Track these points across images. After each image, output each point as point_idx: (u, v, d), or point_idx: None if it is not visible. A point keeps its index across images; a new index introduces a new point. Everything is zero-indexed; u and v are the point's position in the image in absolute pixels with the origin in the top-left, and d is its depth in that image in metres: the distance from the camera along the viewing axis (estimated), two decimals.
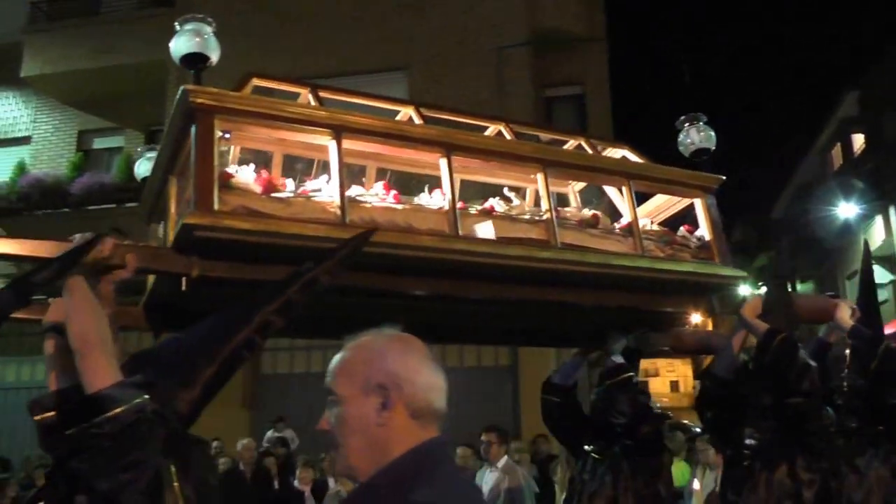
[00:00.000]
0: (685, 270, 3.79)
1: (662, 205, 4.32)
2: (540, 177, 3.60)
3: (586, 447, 4.22)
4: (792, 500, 3.52)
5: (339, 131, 3.17)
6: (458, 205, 3.48)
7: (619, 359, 4.08)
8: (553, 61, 12.81)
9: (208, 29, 3.10)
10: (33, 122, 14.32)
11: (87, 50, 13.25)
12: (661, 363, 19.07)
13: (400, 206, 3.26)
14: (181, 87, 2.92)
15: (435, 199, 3.38)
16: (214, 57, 3.09)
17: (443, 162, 3.37)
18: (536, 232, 3.51)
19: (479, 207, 3.50)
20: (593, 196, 4.58)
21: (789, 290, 4.11)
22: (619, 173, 3.88)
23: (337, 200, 3.06)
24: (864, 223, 17.17)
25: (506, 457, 6.20)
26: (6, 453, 10.07)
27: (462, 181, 4.05)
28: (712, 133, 4.26)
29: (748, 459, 3.73)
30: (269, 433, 10.54)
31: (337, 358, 1.60)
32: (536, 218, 3.56)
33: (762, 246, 15.28)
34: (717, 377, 3.94)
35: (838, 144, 20.70)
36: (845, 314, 4.18)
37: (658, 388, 19.16)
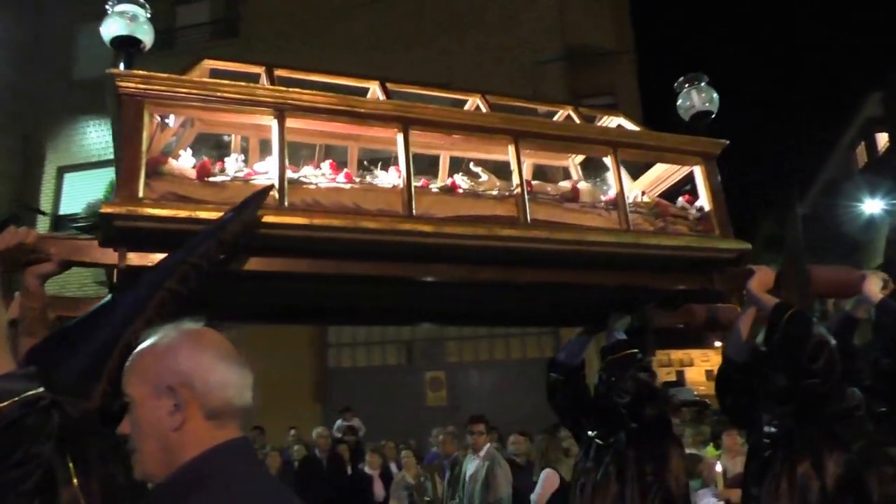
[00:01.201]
0: (675, 245, 3.47)
1: (663, 174, 3.99)
2: (511, 149, 3.36)
3: (590, 433, 3.99)
4: (818, 496, 3.16)
5: (281, 110, 3.02)
6: (420, 182, 3.30)
7: (621, 335, 3.83)
8: (586, 74, 13.65)
9: (141, 12, 3.00)
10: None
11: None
12: (695, 353, 19.47)
13: (348, 186, 3.09)
14: (107, 71, 2.83)
15: (390, 178, 3.19)
16: (147, 40, 2.99)
17: (399, 137, 3.18)
18: (504, 209, 3.28)
19: (441, 185, 3.28)
20: (602, 168, 4.32)
21: (804, 260, 3.70)
22: (603, 142, 3.59)
23: (276, 183, 2.92)
24: (889, 219, 17.42)
25: (488, 445, 6.20)
26: None
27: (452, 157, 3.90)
28: (715, 95, 3.90)
29: (769, 449, 3.41)
30: (339, 422, 11.00)
31: (131, 357, 1.49)
32: (506, 193, 3.32)
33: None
34: (729, 359, 3.63)
35: (862, 143, 21.71)
36: (874, 286, 3.78)
37: (694, 377, 19.49)
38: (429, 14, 14.14)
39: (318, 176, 3.08)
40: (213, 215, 2.74)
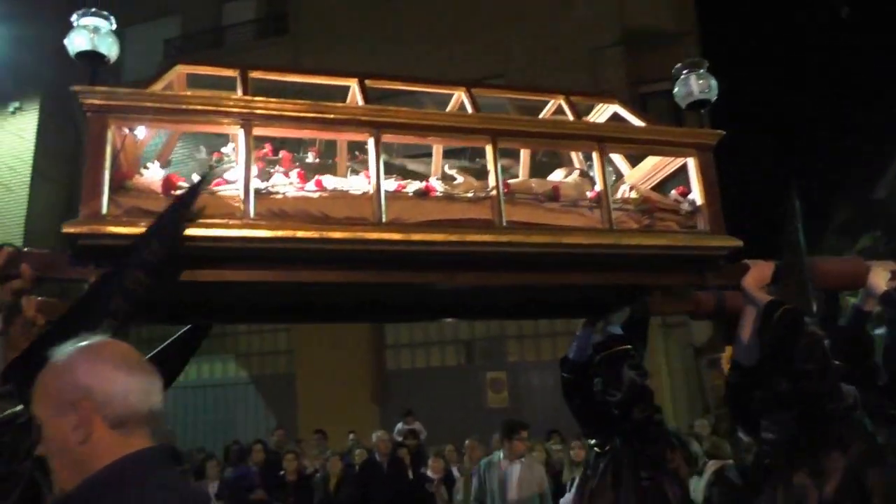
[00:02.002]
0: (659, 244, 3.37)
1: (658, 164, 3.86)
2: (489, 149, 3.28)
3: (590, 441, 3.93)
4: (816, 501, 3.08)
5: (248, 119, 3.01)
6: (395, 187, 3.26)
7: (616, 329, 3.73)
8: (646, 58, 12.87)
9: (105, 24, 2.99)
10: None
11: (214, 80, 13.86)
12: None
13: (316, 195, 3.07)
14: (71, 88, 2.85)
15: (360, 183, 3.17)
16: (112, 53, 3.00)
17: (370, 142, 3.14)
18: (479, 212, 3.22)
19: (415, 189, 3.23)
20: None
21: (804, 253, 3.55)
22: (587, 137, 3.47)
23: (241, 194, 2.93)
24: None
25: (534, 453, 6.10)
26: (189, 446, 11.23)
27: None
28: (713, 82, 3.73)
29: (768, 456, 3.32)
30: (400, 425, 10.88)
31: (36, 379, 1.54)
32: (481, 195, 3.26)
33: (865, 227, 14.47)
34: (737, 365, 3.51)
35: None
36: (879, 278, 3.63)
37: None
38: (481, 5, 13.69)
39: (286, 185, 3.07)
40: None
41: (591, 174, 4.02)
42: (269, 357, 13.90)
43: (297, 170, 3.15)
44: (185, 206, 2.76)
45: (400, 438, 9.94)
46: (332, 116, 3.12)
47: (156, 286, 2.62)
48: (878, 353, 3.64)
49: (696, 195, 3.57)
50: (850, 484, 3.03)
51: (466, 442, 8.15)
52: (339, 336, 12.00)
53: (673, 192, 3.72)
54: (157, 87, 3.14)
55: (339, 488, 8.71)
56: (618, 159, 4.13)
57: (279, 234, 2.90)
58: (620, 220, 3.41)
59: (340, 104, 3.15)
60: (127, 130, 3.04)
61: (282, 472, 8.94)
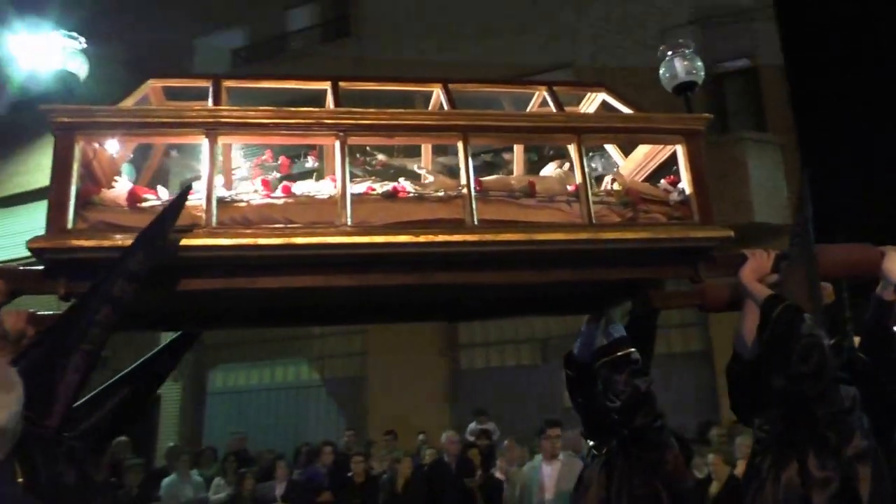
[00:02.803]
0: (641, 237, 3.24)
1: (650, 152, 3.72)
2: (460, 146, 3.23)
3: (589, 442, 3.82)
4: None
5: (212, 129, 3.05)
6: (363, 189, 3.25)
7: (618, 331, 3.61)
8: (721, 36, 12.21)
9: (75, 45, 3.08)
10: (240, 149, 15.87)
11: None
12: None
13: (280, 201, 3.08)
14: (39, 107, 2.94)
15: (327, 188, 3.16)
16: (81, 71, 3.08)
17: (337, 145, 3.13)
18: (449, 211, 3.17)
19: (383, 191, 3.21)
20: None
21: (812, 244, 3.35)
22: (564, 129, 3.37)
23: (204, 203, 2.96)
24: None
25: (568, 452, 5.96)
26: (260, 447, 11.42)
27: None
28: (699, 63, 3.59)
29: (759, 455, 3.18)
30: (472, 425, 10.79)
31: None
32: (452, 194, 3.21)
33: None
34: (736, 355, 3.36)
35: None
36: (894, 263, 3.41)
37: None
38: None
39: (251, 193, 3.09)
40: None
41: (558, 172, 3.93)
42: (341, 360, 13.98)
43: (260, 178, 3.16)
44: (171, 217, 2.80)
45: (472, 439, 9.87)
46: (296, 122, 3.13)
47: (142, 295, 2.69)
48: None
49: (685, 184, 3.42)
50: (840, 489, 2.85)
51: (505, 442, 8.05)
52: (411, 337, 11.98)
53: (662, 181, 3.59)
54: (128, 102, 3.21)
55: (406, 489, 8.78)
56: (612, 150, 4.02)
57: (240, 241, 2.92)
58: (601, 213, 3.31)
59: (305, 109, 3.14)
60: (97, 146, 3.11)
61: (350, 474, 9.09)
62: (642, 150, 3.77)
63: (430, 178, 3.30)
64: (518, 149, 4.04)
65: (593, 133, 3.40)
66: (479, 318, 6.53)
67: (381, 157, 3.52)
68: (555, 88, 3.68)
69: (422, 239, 3.04)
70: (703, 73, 3.57)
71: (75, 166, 2.91)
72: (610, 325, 3.61)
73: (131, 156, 3.57)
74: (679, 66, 3.55)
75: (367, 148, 3.54)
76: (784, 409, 3.04)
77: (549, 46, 12.85)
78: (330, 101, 3.38)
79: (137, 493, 8.94)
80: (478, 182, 3.25)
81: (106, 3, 14.52)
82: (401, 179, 3.29)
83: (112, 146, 3.21)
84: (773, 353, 3.05)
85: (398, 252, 3.03)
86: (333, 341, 13.96)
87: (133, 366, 3.24)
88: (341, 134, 3.13)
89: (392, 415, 11.86)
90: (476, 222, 3.12)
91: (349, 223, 3.02)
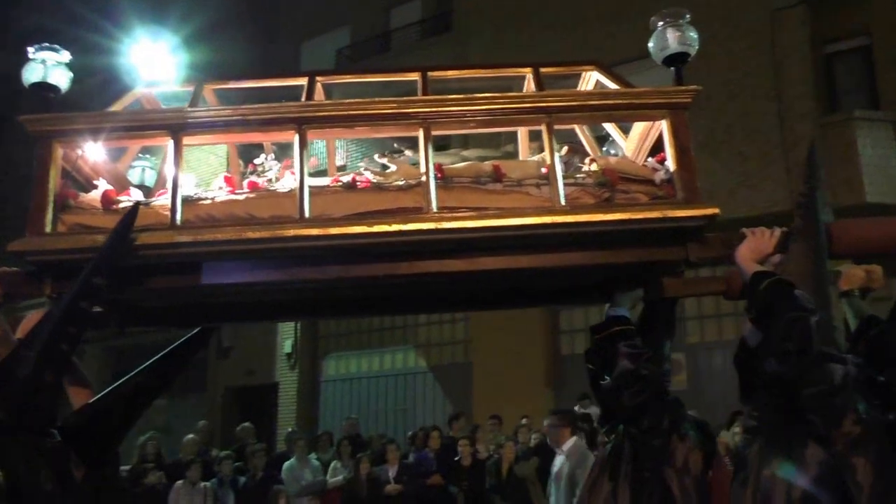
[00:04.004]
0: (614, 219, 3.06)
1: (644, 130, 3.51)
2: (421, 135, 3.18)
3: (602, 429, 3.69)
4: (785, 500, 2.70)
5: (176, 130, 3.17)
6: (329, 181, 3.27)
7: (618, 311, 3.45)
8: (833, 15, 11.56)
9: (57, 58, 3.28)
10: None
11: (382, 86, 14.34)
12: None
13: (242, 197, 3.16)
14: (18, 118, 3.16)
15: (288, 182, 3.21)
16: (62, 83, 3.28)
17: (296, 139, 3.17)
18: (409, 199, 3.13)
19: (343, 182, 3.21)
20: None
21: (819, 217, 3.04)
22: (533, 111, 3.24)
23: (169, 203, 3.08)
24: None
25: (573, 439, 5.72)
26: (371, 432, 11.90)
27: None
28: (693, 34, 3.34)
29: (748, 443, 2.96)
30: (576, 409, 10.66)
31: None
32: (412, 182, 3.16)
33: None
34: (741, 342, 3.15)
35: None
36: None
37: None
38: None
39: (216, 190, 3.19)
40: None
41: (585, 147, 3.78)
42: (447, 346, 14.18)
43: (223, 175, 3.25)
44: (121, 236, 2.94)
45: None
46: (255, 118, 3.19)
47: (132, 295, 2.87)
48: None
49: (669, 161, 3.20)
50: (827, 479, 2.58)
51: (523, 420, 7.79)
52: (513, 324, 12.04)
53: (650, 159, 3.38)
54: (116, 108, 3.39)
55: (511, 472, 8.86)
56: (612, 130, 3.83)
57: (202, 237, 3.02)
58: (573, 196, 3.15)
59: (264, 105, 3.20)
60: (80, 151, 3.31)
61: (457, 458, 9.33)
62: (638, 129, 3.57)
63: (392, 168, 3.27)
64: (522, 132, 3.93)
65: (566, 113, 3.24)
66: (483, 309, 6.43)
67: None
68: (544, 70, 3.54)
69: (376, 229, 3.02)
70: (696, 45, 3.32)
71: (53, 172, 3.12)
72: (612, 307, 3.46)
73: (147, 159, 3.79)
74: (671, 37, 3.32)
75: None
76: (773, 393, 2.80)
77: (646, 34, 12.36)
78: (302, 95, 3.43)
79: (262, 477, 9.49)
80: (439, 169, 3.19)
81: (221, 15, 15.26)
82: (362, 169, 3.28)
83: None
84: (762, 333, 2.83)
85: (353, 243, 3.03)
86: (438, 329, 14.18)
87: (148, 361, 3.42)
88: (299, 128, 3.16)
89: (496, 400, 11.94)
90: (435, 209, 3.07)
91: (307, 216, 3.06)
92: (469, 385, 13.21)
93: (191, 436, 10.17)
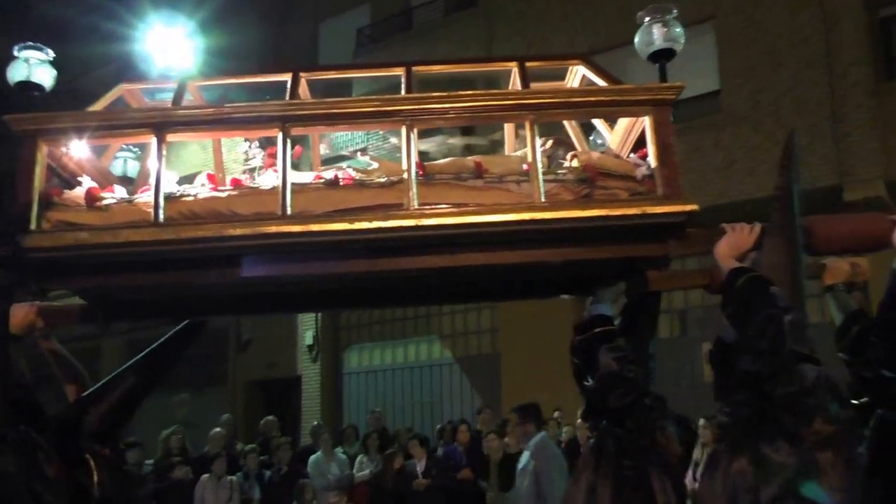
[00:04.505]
0: (591, 216, 3.07)
1: (628, 124, 3.51)
2: (403, 131, 3.19)
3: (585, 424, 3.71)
4: (751, 495, 2.71)
5: (159, 129, 3.18)
6: (312, 178, 3.29)
7: (601, 309, 3.46)
8: None
9: (41, 56, 3.30)
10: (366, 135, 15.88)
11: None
12: None
13: (224, 194, 3.18)
14: (4, 118, 3.19)
15: (270, 179, 3.22)
16: (47, 82, 3.30)
17: (279, 137, 3.18)
18: (390, 196, 3.15)
19: (325, 179, 3.23)
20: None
21: (796, 211, 3.04)
22: (517, 108, 3.24)
23: (152, 200, 3.11)
24: None
25: (539, 435, 5.73)
26: (397, 426, 11.86)
27: None
28: (679, 30, 3.34)
29: (720, 441, 2.98)
30: None
31: None
32: (394, 179, 3.18)
33: None
34: (717, 339, 3.16)
35: None
36: None
37: None
38: None
39: (199, 187, 3.21)
40: (93, 240, 3.02)
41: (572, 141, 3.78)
42: (474, 336, 13.86)
43: (205, 172, 3.27)
44: None
45: None
46: (238, 116, 3.21)
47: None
48: None
49: (651, 157, 3.21)
50: (794, 477, 2.60)
51: (555, 413, 7.71)
52: (544, 311, 11.69)
53: (632, 155, 3.38)
54: (99, 106, 3.42)
55: None
56: (600, 125, 3.83)
57: (184, 234, 3.05)
58: (553, 192, 3.16)
59: (247, 104, 3.22)
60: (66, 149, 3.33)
61: (486, 452, 9.15)
62: (623, 122, 3.57)
63: (374, 165, 3.28)
64: (508, 127, 3.93)
65: (549, 109, 3.25)
66: (472, 301, 6.44)
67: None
68: (528, 64, 3.54)
69: (356, 226, 3.04)
70: (682, 41, 3.33)
71: (38, 170, 3.14)
72: (595, 304, 3.47)
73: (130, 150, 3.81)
74: (657, 33, 3.33)
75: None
76: (746, 391, 2.81)
77: (682, 2, 11.99)
78: (288, 91, 3.43)
79: (287, 471, 9.52)
80: (421, 166, 3.20)
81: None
82: (345, 166, 3.30)
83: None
84: (737, 330, 2.84)
85: (334, 240, 3.05)
86: (463, 319, 13.84)
87: (140, 355, 3.45)
88: (283, 125, 3.18)
89: (526, 392, 11.65)
90: (416, 206, 3.08)
91: (288, 213, 3.08)
92: (497, 377, 12.92)
93: (217, 429, 10.14)
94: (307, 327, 14.65)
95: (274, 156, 3.52)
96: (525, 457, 6.07)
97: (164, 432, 9.76)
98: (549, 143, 3.68)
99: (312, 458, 9.67)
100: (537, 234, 3.11)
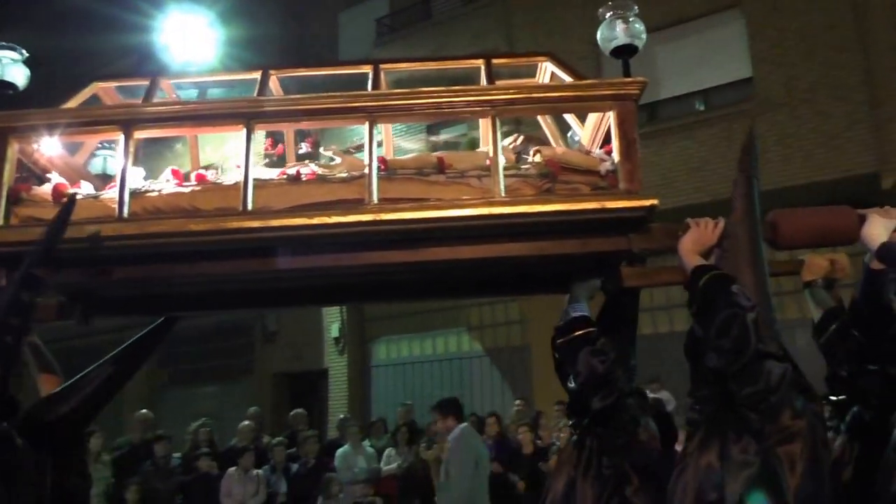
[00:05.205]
0: (549, 210, 3.06)
1: (597, 119, 3.50)
2: (366, 129, 3.21)
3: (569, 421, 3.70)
4: (717, 493, 2.69)
5: (127, 125, 3.23)
6: (277, 174, 3.32)
7: (578, 310, 3.45)
8: None
9: (14, 56, 3.37)
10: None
11: (426, 52, 13.47)
12: None
13: (187, 190, 3.21)
14: None
15: (234, 175, 3.26)
16: (20, 81, 3.37)
17: (243, 133, 3.21)
18: (351, 192, 3.16)
19: (287, 175, 3.26)
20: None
21: (757, 204, 3.01)
22: (479, 104, 3.25)
23: (117, 196, 3.15)
24: None
25: (459, 427, 5.76)
26: (427, 420, 11.81)
27: None
28: (639, 26, 3.33)
29: (690, 437, 2.95)
30: (647, 393, 10.48)
31: None
32: (355, 174, 3.20)
33: None
34: (689, 332, 3.14)
35: None
36: (877, 227, 3.01)
37: None
38: None
39: (164, 182, 3.25)
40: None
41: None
42: (502, 328, 13.78)
43: (170, 168, 3.31)
44: (58, 228, 3.02)
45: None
46: (204, 112, 3.25)
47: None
48: None
49: (614, 152, 3.19)
50: (759, 473, 2.57)
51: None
52: None
53: (598, 150, 3.37)
54: (73, 104, 3.47)
55: None
56: (571, 120, 3.82)
57: (147, 230, 3.09)
58: (514, 187, 3.16)
59: (212, 101, 3.26)
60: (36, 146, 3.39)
61: (515, 445, 9.16)
62: (592, 118, 3.56)
63: (337, 160, 3.30)
64: (484, 122, 3.93)
65: (511, 106, 3.25)
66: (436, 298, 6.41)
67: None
68: (495, 61, 3.55)
69: (316, 221, 3.06)
70: (644, 37, 3.31)
71: (7, 167, 3.20)
72: (571, 303, 3.45)
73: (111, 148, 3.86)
74: (619, 29, 3.32)
75: None
76: (712, 387, 2.79)
77: None
78: (267, 88, 3.47)
79: (314, 464, 9.54)
80: (383, 161, 3.21)
81: None
82: (308, 162, 3.32)
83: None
84: (701, 329, 2.83)
85: (295, 235, 3.07)
86: (491, 310, 13.77)
87: (115, 351, 3.50)
88: (247, 122, 3.21)
89: (558, 384, 11.62)
90: (376, 201, 3.09)
91: (249, 208, 3.10)
92: (528, 369, 12.77)
93: (246, 422, 10.18)
94: (333, 320, 14.63)
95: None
96: (447, 449, 6.12)
97: (192, 425, 9.84)
98: (520, 139, 3.68)
99: (340, 451, 9.67)
100: (497, 229, 3.11)
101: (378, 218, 3.06)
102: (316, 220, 3.06)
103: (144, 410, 10.34)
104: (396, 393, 14.04)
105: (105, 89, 3.65)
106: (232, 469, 9.07)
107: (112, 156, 4.13)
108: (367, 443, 10.08)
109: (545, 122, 3.95)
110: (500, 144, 3.17)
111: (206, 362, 16.06)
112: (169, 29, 13.26)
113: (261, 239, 3.08)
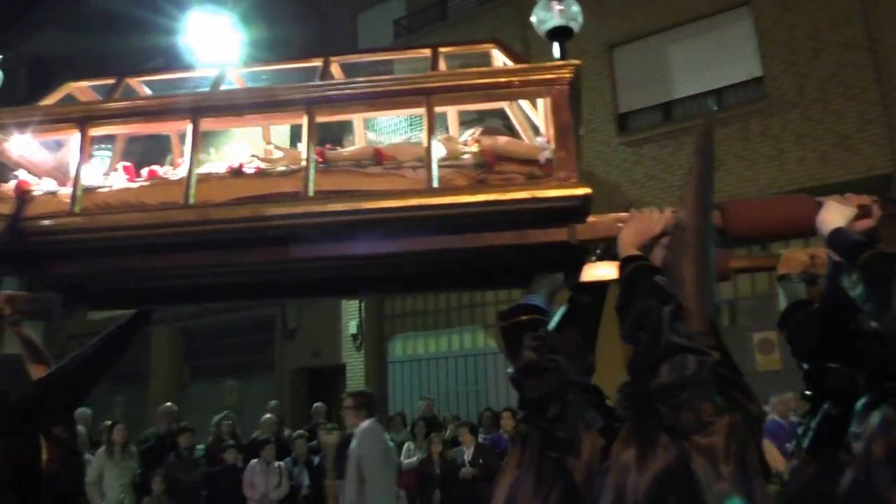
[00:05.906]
0: (478, 201, 3.04)
1: (545, 108, 3.44)
2: (305, 121, 3.26)
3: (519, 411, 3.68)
4: (633, 488, 2.66)
5: (83, 122, 3.37)
6: (224, 169, 3.40)
7: (532, 299, 3.42)
8: None
9: None
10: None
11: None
12: None
13: (136, 185, 3.33)
14: None
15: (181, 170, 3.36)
16: None
17: (189, 128, 3.31)
18: (290, 185, 3.22)
19: (227, 169, 3.33)
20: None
21: (710, 193, 2.88)
22: (412, 92, 3.24)
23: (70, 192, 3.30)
24: None
25: (367, 422, 5.69)
26: (444, 413, 12.09)
27: None
28: (576, 8, 3.25)
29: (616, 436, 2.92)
30: None
31: None
32: (294, 168, 3.25)
33: None
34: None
35: None
36: (833, 213, 2.91)
37: None
38: None
39: (116, 178, 3.38)
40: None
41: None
42: None
43: (123, 164, 3.44)
44: (10, 224, 3.19)
45: None
46: (152, 108, 3.36)
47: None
48: None
49: (549, 139, 3.14)
50: (671, 468, 2.52)
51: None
52: None
53: (539, 139, 3.32)
54: (48, 102, 3.65)
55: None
56: (527, 107, 3.77)
57: (95, 223, 3.23)
58: (448, 177, 3.15)
59: (160, 98, 3.36)
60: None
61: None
62: (541, 106, 3.50)
63: (279, 154, 3.36)
64: (452, 113, 3.92)
65: (445, 93, 3.23)
66: (397, 293, 6.35)
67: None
68: (442, 49, 3.54)
69: (252, 213, 3.13)
70: (580, 19, 3.23)
71: None
72: (527, 294, 3.43)
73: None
74: (554, 10, 3.24)
75: None
76: (631, 382, 2.76)
77: None
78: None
79: (335, 457, 9.68)
80: (321, 154, 3.25)
81: None
82: (249, 155, 3.39)
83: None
84: (620, 321, 2.78)
85: (232, 227, 3.15)
86: (506, 308, 14.03)
87: (92, 342, 3.68)
88: (194, 117, 3.30)
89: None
90: (312, 194, 3.14)
91: (190, 202, 3.20)
92: None
93: (268, 415, 10.49)
94: (351, 317, 14.99)
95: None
96: (354, 443, 6.10)
97: (215, 417, 10.17)
98: (479, 131, 3.65)
99: None
100: (429, 221, 3.10)
101: (311, 210, 3.10)
102: (256, 213, 3.13)
103: (169, 403, 10.74)
104: (413, 388, 14.35)
105: (80, 89, 3.81)
106: (254, 461, 9.32)
107: (109, 157, 4.33)
108: (386, 436, 10.24)
109: (512, 111, 3.90)
110: (434, 134, 3.17)
111: (228, 358, 16.60)
112: (193, 31, 13.61)
113: (201, 232, 3.17)
